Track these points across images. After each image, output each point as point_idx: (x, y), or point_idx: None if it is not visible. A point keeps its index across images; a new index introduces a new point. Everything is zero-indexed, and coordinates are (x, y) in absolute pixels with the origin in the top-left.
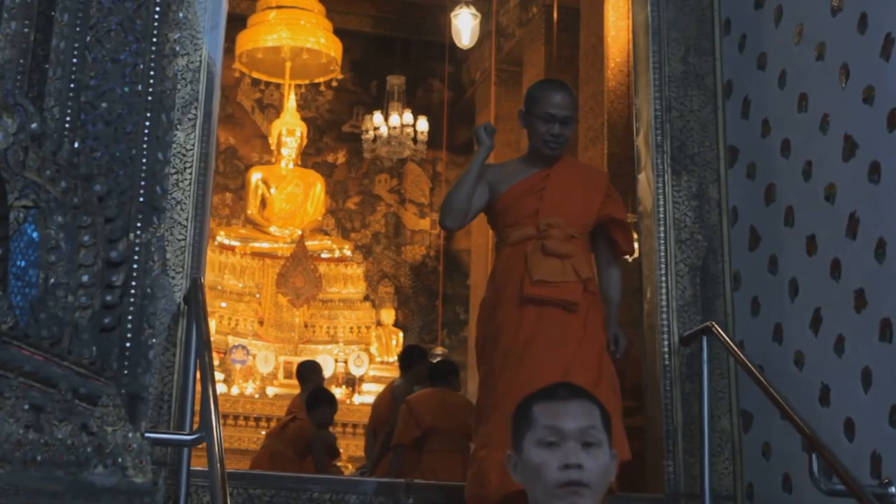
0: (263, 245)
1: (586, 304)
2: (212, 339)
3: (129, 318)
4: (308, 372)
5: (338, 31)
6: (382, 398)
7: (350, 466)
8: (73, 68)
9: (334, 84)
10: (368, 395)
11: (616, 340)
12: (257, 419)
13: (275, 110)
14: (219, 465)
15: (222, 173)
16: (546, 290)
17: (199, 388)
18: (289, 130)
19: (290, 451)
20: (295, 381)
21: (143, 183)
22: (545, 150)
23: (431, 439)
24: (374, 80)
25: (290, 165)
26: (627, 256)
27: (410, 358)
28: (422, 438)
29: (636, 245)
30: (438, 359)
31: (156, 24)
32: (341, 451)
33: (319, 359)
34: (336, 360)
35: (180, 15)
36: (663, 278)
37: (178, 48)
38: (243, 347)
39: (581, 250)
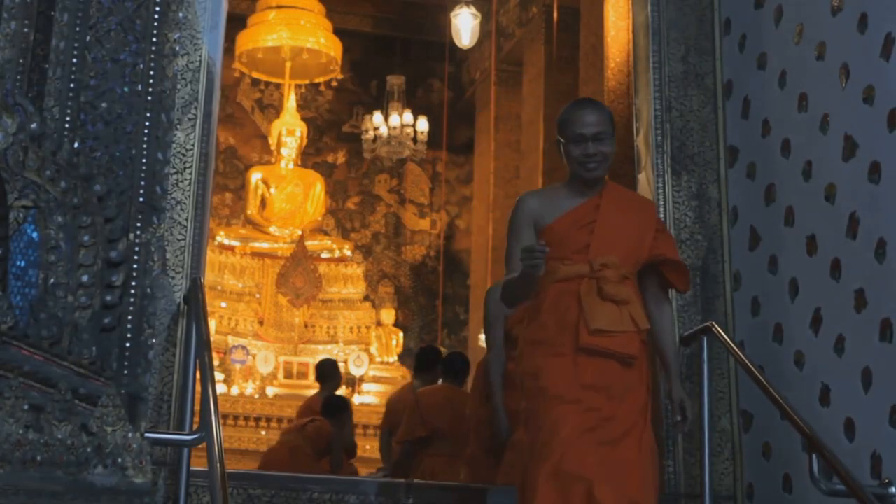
0: (263, 245)
1: (642, 357)
2: (212, 339)
3: (129, 318)
4: (331, 371)
5: (338, 31)
6: (400, 402)
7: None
8: (73, 68)
9: (334, 84)
10: (368, 395)
11: (682, 408)
12: (257, 419)
13: (275, 110)
14: (219, 465)
15: (222, 173)
16: (605, 340)
17: (199, 388)
18: (289, 130)
19: (310, 448)
20: (294, 381)
21: (142, 183)
22: (583, 173)
23: (435, 441)
24: (374, 80)
25: (290, 165)
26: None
27: (426, 360)
28: (426, 439)
29: None
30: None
31: (156, 24)
32: None
33: (319, 359)
34: (336, 361)
35: (180, 15)
36: None
37: (178, 48)
38: (243, 347)
39: (636, 294)
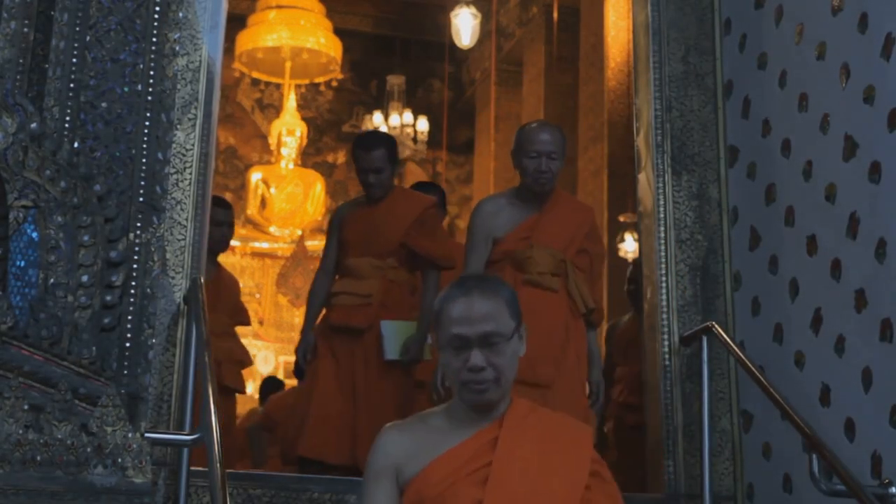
0: (263, 245)
1: None
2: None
3: (129, 318)
4: None
5: (338, 31)
6: None
7: None
8: (73, 68)
9: (334, 84)
10: None
11: None
12: None
13: (275, 110)
14: (218, 465)
15: (222, 173)
16: None
17: (199, 387)
18: (289, 130)
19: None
20: (295, 381)
21: (142, 183)
22: (468, 396)
23: None
24: (374, 79)
25: (290, 165)
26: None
27: None
28: None
29: (637, 245)
30: None
31: (156, 23)
32: None
33: None
34: None
35: (180, 15)
36: (663, 278)
37: (178, 48)
38: None
39: None
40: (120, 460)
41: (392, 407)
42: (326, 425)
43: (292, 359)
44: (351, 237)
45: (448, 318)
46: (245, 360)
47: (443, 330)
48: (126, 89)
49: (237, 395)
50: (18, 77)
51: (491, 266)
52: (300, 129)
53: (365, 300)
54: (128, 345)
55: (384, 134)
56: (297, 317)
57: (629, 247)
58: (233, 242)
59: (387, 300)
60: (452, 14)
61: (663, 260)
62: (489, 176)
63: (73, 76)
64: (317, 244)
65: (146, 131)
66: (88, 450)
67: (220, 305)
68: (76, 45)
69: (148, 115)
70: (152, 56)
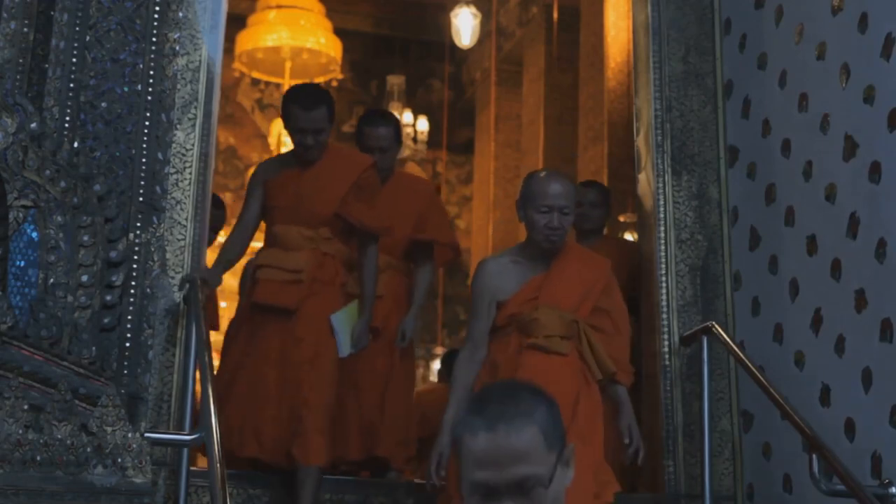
0: None
1: None
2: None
3: (129, 318)
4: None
5: (338, 31)
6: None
7: None
8: (73, 68)
9: (334, 84)
10: None
11: None
12: None
13: (275, 110)
14: (218, 465)
15: (222, 173)
16: None
17: (199, 388)
18: None
19: None
20: None
21: (142, 183)
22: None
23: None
24: (374, 80)
25: None
26: None
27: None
28: (425, 440)
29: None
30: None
31: (155, 23)
32: None
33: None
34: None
35: (180, 15)
36: (663, 278)
37: (177, 48)
38: None
39: None
40: (120, 460)
41: (323, 397)
42: (259, 421)
43: None
44: (278, 202)
45: (467, 457)
46: None
47: (463, 467)
48: (126, 89)
49: None
50: (18, 77)
51: (496, 333)
52: None
53: (294, 276)
54: (128, 345)
55: (323, 90)
56: None
57: None
58: None
59: (320, 275)
60: (452, 14)
61: (663, 260)
62: (489, 176)
63: (73, 76)
64: None
65: (146, 131)
66: (88, 450)
67: None
68: (76, 45)
69: (148, 115)
70: (152, 56)
